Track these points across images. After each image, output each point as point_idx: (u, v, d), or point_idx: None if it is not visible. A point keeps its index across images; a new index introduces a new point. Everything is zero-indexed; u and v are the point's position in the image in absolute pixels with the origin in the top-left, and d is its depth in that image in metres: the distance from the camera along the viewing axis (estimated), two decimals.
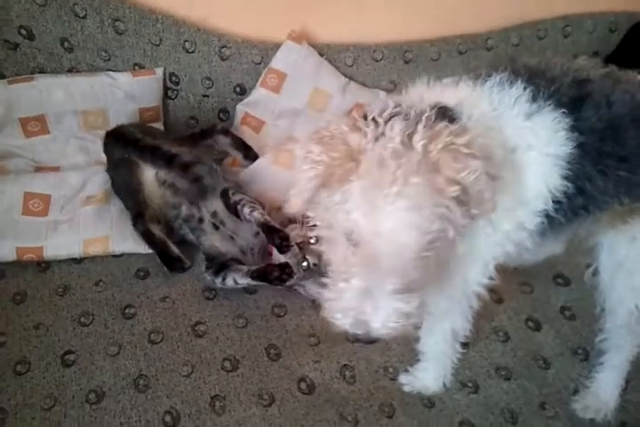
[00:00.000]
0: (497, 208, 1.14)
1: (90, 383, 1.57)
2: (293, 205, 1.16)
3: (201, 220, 1.91)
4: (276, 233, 1.78)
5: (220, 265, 1.83)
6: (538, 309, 1.92)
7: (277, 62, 2.31)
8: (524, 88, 1.21)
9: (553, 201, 1.23)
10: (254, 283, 1.78)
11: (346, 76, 2.43)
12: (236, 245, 1.90)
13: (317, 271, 1.87)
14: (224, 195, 1.91)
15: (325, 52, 2.39)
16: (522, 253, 1.35)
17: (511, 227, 1.24)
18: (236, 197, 1.89)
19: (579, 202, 1.26)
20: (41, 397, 1.53)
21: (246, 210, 1.84)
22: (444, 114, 1.11)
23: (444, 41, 2.55)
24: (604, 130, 1.23)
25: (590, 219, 1.36)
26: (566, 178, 1.21)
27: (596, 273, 1.57)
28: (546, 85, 1.22)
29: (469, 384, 1.69)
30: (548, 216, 1.25)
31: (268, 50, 2.31)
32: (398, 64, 2.50)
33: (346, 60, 2.43)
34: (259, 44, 2.31)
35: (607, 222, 1.43)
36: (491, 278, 1.34)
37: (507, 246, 1.28)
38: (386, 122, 1.06)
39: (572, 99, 1.22)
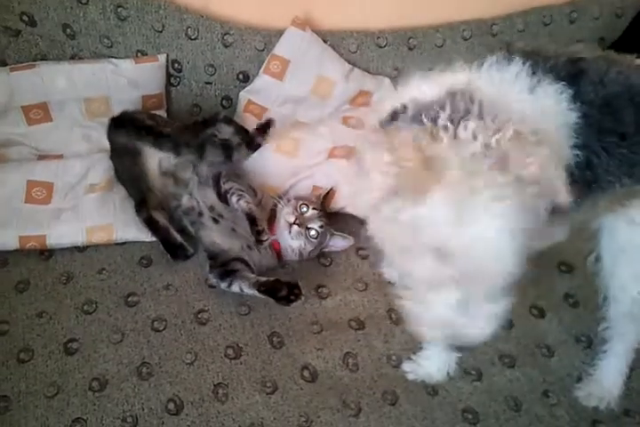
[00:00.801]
0: None
1: (93, 371, 1.57)
2: (360, 208, 1.14)
3: (201, 213, 1.91)
4: (253, 225, 1.81)
5: (223, 264, 1.82)
6: (542, 296, 1.91)
7: (281, 49, 2.29)
8: (523, 63, 1.20)
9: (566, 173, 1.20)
10: (260, 296, 1.74)
11: (349, 62, 2.41)
12: (238, 238, 1.89)
13: (328, 229, 1.92)
14: (216, 181, 1.92)
15: (329, 38, 2.37)
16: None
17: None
18: (227, 186, 1.90)
19: (587, 175, 1.23)
20: (44, 385, 1.53)
21: (234, 199, 1.86)
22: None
23: (448, 27, 2.52)
24: (601, 106, 1.21)
25: (590, 199, 1.35)
26: (575, 147, 1.19)
27: (598, 259, 1.57)
28: (543, 61, 1.21)
29: (473, 372, 1.69)
30: None
31: (271, 36, 2.29)
32: (402, 50, 2.47)
33: (350, 46, 2.41)
34: (262, 30, 2.29)
35: (605, 207, 1.41)
36: None
37: None
38: (454, 124, 1.02)
39: (569, 73, 1.21)
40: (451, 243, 0.98)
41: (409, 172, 0.98)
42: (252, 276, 1.80)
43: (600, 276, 1.56)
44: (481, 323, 1.07)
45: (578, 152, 1.19)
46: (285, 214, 1.90)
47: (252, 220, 1.82)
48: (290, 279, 1.74)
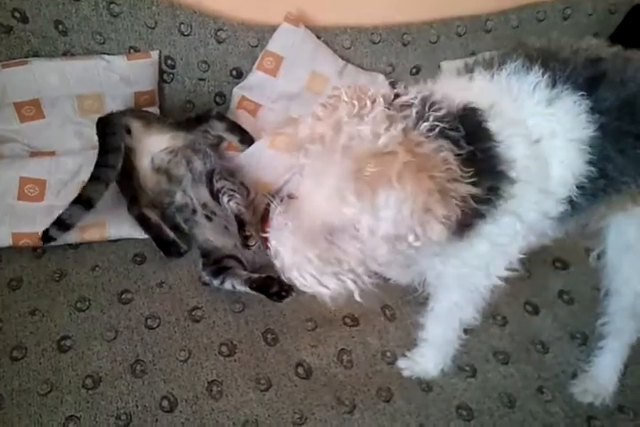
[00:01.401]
0: (523, 202, 1.16)
1: (86, 369, 1.57)
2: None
3: (194, 211, 1.90)
4: (241, 229, 1.79)
5: (216, 262, 1.82)
6: (536, 293, 1.92)
7: (274, 45, 2.28)
8: (542, 73, 1.19)
9: (577, 186, 1.21)
10: (252, 293, 1.74)
11: (343, 58, 2.40)
12: (231, 236, 1.89)
13: None
14: (209, 178, 1.91)
15: (323, 34, 2.36)
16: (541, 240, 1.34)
17: (537, 218, 1.23)
18: (219, 184, 1.88)
19: (600, 184, 1.24)
20: (37, 382, 1.53)
21: (225, 199, 1.85)
22: (472, 121, 1.10)
23: (442, 23, 2.51)
24: (620, 109, 1.21)
25: (605, 201, 1.34)
26: (590, 162, 1.19)
27: (601, 256, 1.57)
28: (561, 68, 1.20)
29: (467, 368, 1.70)
30: (571, 202, 1.24)
31: (264, 32, 2.28)
32: (396, 46, 2.46)
33: (343, 42, 2.40)
34: (255, 26, 2.28)
35: (618, 205, 1.41)
36: (515, 270, 1.33)
37: (531, 237, 1.28)
38: (388, 107, 1.05)
39: (587, 79, 1.20)
40: (299, 183, 1.11)
41: (318, 125, 1.07)
42: (245, 273, 1.79)
43: (604, 271, 1.57)
44: (290, 264, 1.13)
45: (591, 168, 1.20)
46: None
47: (240, 223, 1.80)
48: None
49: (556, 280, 1.97)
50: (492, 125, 1.11)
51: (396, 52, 2.47)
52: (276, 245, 1.15)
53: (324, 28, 2.38)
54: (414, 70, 2.52)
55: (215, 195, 1.88)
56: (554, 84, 1.19)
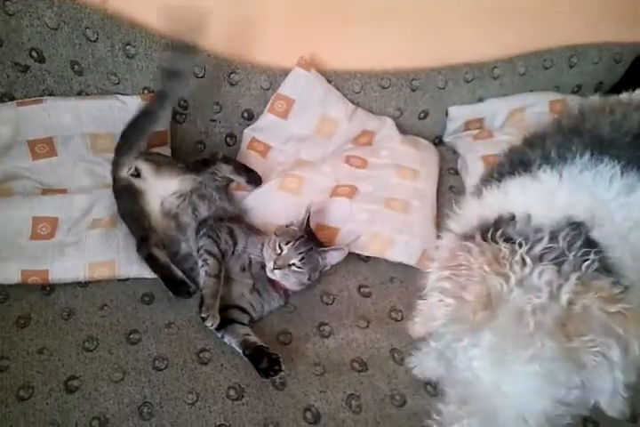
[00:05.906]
0: None
1: (93, 410, 1.55)
2: (417, 331, 1.12)
3: (197, 262, 1.90)
4: (200, 307, 1.75)
5: (220, 311, 1.77)
6: None
7: (286, 88, 2.32)
8: (612, 166, 1.14)
9: None
10: (245, 358, 1.71)
11: (353, 102, 2.44)
12: (236, 285, 1.89)
13: (316, 251, 1.92)
14: (198, 230, 1.94)
15: (333, 78, 2.40)
16: None
17: None
18: (200, 242, 1.90)
19: None
20: (44, 423, 1.51)
21: (200, 263, 1.87)
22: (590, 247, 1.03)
23: (450, 69, 2.56)
24: None
25: None
26: None
27: None
28: (617, 154, 1.15)
29: None
30: None
31: (276, 76, 2.32)
32: (405, 91, 2.50)
33: (353, 86, 2.44)
34: (267, 70, 2.32)
35: None
36: None
37: None
38: (535, 262, 0.99)
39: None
40: (477, 381, 0.98)
41: (466, 305, 0.97)
42: (242, 332, 1.75)
43: None
44: None
45: None
46: (267, 261, 1.88)
47: (201, 299, 1.77)
48: (273, 352, 1.68)
49: None
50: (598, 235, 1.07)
51: (405, 97, 2.51)
52: None
53: (334, 72, 2.42)
54: (422, 115, 2.56)
55: (197, 251, 1.91)
56: (626, 171, 1.14)
